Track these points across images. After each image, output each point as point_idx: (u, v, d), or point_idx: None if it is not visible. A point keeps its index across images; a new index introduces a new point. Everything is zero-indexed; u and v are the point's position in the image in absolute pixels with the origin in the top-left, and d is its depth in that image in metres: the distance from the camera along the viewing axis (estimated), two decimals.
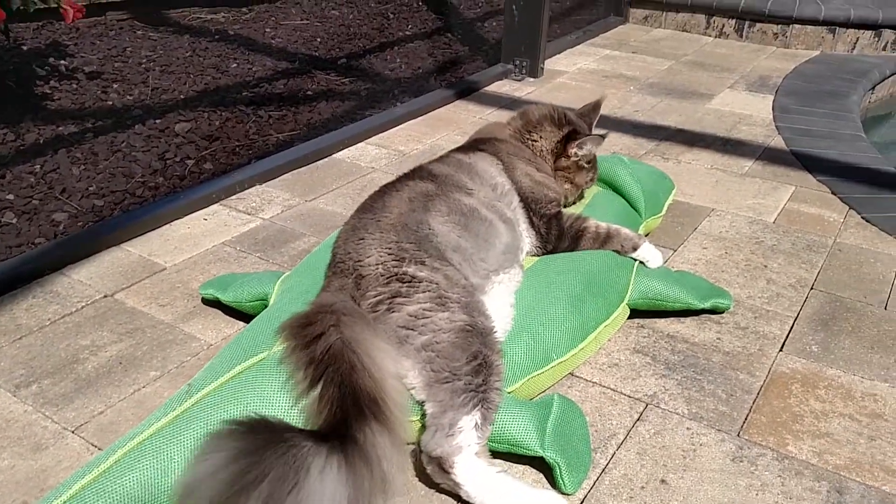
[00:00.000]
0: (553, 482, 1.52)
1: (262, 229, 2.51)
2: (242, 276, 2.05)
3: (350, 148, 3.20)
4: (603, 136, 2.20)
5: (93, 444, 1.61)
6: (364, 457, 1.32)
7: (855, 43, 4.86)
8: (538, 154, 2.21)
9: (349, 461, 1.29)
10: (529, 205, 2.05)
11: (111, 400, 1.74)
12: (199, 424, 1.41)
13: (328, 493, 1.25)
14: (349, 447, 1.31)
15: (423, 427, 1.52)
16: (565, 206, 2.24)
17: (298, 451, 1.24)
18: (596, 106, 2.37)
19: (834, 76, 4.35)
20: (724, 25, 5.13)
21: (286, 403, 1.46)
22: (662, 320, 2.05)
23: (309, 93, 3.86)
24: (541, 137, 2.24)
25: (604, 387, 1.81)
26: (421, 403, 1.54)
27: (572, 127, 2.24)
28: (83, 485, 1.31)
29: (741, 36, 5.09)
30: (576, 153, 2.20)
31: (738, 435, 1.67)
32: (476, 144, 2.19)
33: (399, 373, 1.52)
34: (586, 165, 2.24)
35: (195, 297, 2.12)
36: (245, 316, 1.99)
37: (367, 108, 3.69)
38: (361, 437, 1.33)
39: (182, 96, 3.66)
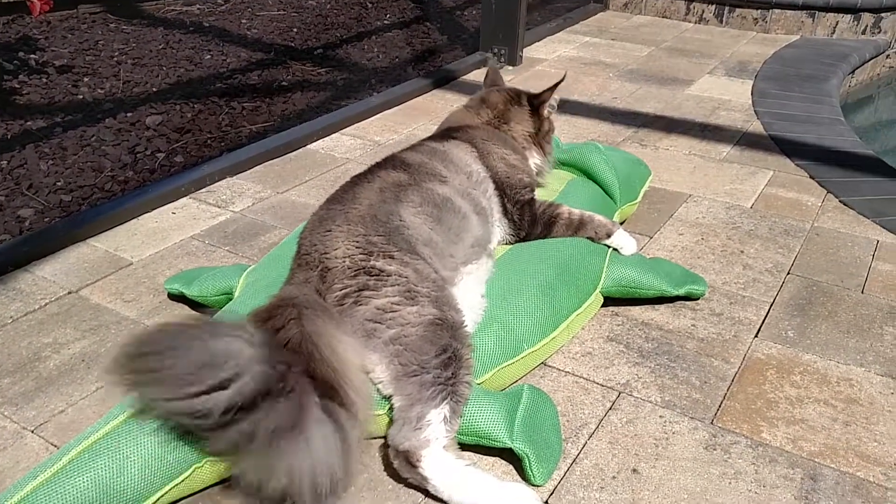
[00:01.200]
0: (522, 474, 1.49)
1: (232, 222, 2.46)
2: (207, 270, 2.01)
3: (324, 138, 3.15)
4: (563, 79, 2.30)
5: (52, 444, 1.57)
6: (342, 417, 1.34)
7: (834, 27, 4.84)
8: (516, 140, 2.22)
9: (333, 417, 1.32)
10: (504, 190, 2.02)
11: (73, 398, 1.70)
12: (156, 422, 1.37)
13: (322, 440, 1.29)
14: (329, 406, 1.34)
15: (391, 421, 1.49)
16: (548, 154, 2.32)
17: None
18: (494, 73, 2.48)
19: (813, 60, 4.33)
20: (703, 11, 5.11)
21: None
22: (637, 308, 2.02)
23: (284, 84, 3.81)
24: (516, 123, 2.24)
25: (576, 376, 1.78)
26: (388, 398, 1.50)
27: (524, 94, 2.30)
28: (34, 486, 1.26)
29: (721, 21, 5.06)
30: (549, 112, 2.29)
31: (711, 422, 1.64)
32: (449, 133, 2.15)
33: (364, 365, 1.49)
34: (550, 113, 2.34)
35: (161, 292, 2.07)
36: (211, 311, 1.95)
37: (342, 99, 3.64)
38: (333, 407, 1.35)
39: (154, 89, 3.60)
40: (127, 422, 1.37)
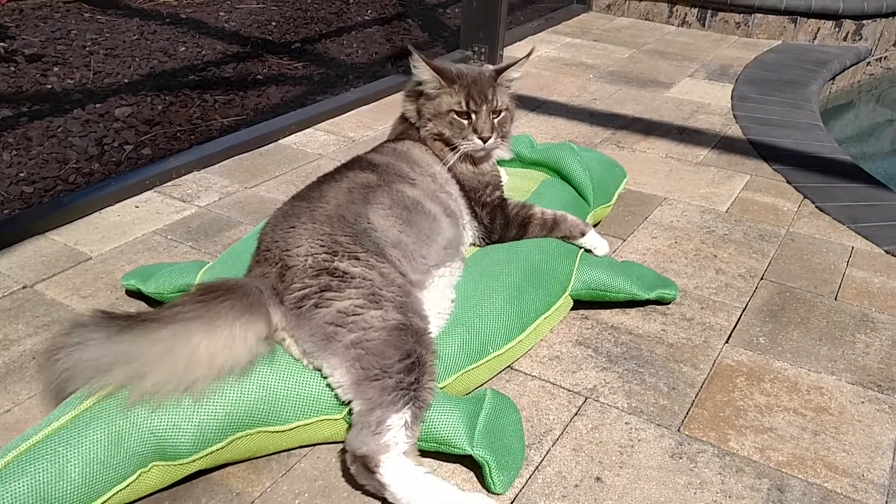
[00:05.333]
0: (483, 482, 1.44)
1: (197, 217, 2.40)
2: (165, 266, 1.95)
3: (297, 133, 3.09)
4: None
5: None
6: None
7: (816, 32, 4.84)
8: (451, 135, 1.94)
9: None
10: (469, 194, 1.96)
11: (20, 397, 1.64)
12: (99, 424, 1.31)
13: None
14: None
15: (349, 427, 1.44)
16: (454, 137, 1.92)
17: None
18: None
19: (794, 65, 4.32)
20: (686, 14, 5.09)
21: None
22: (607, 311, 1.98)
23: (259, 77, 3.74)
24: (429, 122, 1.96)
25: (543, 380, 1.74)
26: (348, 403, 1.45)
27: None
28: None
29: (703, 25, 5.05)
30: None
31: (678, 430, 1.61)
32: (400, 136, 2.03)
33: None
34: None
35: (119, 288, 2.01)
36: None
37: (318, 94, 3.58)
38: None
39: (125, 80, 3.53)
40: (69, 424, 1.31)
